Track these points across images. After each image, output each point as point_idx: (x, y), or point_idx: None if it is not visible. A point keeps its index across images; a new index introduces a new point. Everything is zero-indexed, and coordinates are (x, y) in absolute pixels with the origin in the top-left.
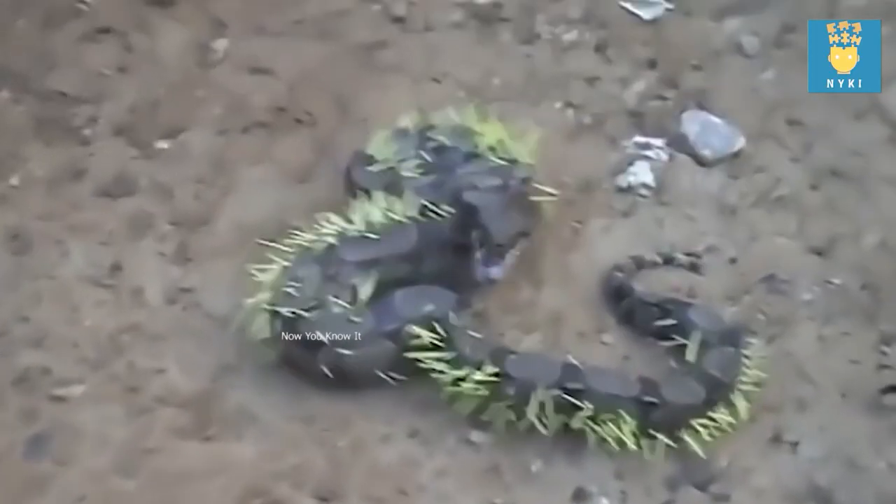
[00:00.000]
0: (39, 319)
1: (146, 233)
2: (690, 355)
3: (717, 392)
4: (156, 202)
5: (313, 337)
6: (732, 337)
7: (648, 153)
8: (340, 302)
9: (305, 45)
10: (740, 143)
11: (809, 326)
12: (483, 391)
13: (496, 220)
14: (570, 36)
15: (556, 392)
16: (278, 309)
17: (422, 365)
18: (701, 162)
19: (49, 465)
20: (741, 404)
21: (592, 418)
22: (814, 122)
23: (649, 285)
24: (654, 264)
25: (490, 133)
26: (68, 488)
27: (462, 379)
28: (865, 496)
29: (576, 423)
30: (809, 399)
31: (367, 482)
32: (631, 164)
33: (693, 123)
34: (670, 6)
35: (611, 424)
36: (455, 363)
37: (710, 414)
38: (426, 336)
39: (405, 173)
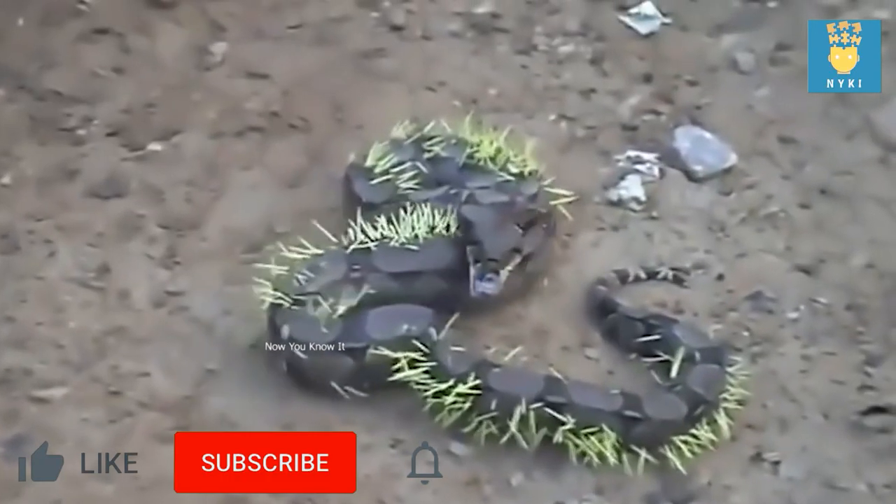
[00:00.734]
0: (24, 320)
1: (135, 235)
2: (674, 372)
3: (700, 409)
4: (146, 204)
5: (279, 328)
6: (716, 354)
7: (640, 167)
8: (325, 305)
9: (303, 50)
10: (732, 159)
11: (794, 345)
12: (465, 404)
13: (490, 235)
14: (567, 48)
15: (539, 406)
16: (275, 291)
17: (404, 378)
18: (692, 177)
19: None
20: (723, 422)
21: (574, 432)
22: (806, 141)
23: (635, 300)
24: (638, 279)
25: (487, 144)
26: (44, 491)
27: (445, 392)
28: None
29: (558, 437)
30: (792, 418)
31: None
32: (622, 177)
33: (686, 139)
34: (667, 21)
35: (592, 438)
36: (437, 377)
37: (692, 431)
38: (402, 356)
39: (403, 185)
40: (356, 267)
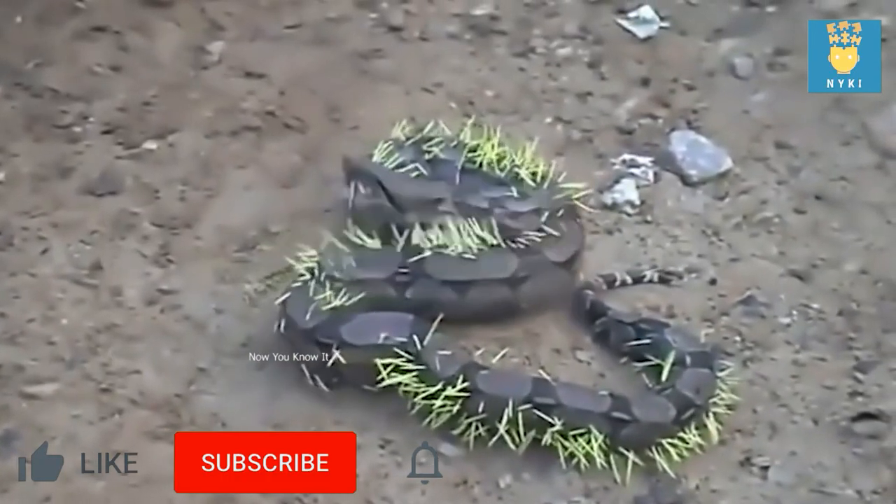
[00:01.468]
0: (16, 316)
1: (129, 233)
2: (664, 375)
3: (689, 412)
4: (140, 202)
5: (285, 292)
6: (707, 358)
7: (635, 171)
8: (327, 294)
9: (300, 50)
10: (727, 163)
11: (786, 350)
12: (454, 407)
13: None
14: (565, 51)
15: (527, 407)
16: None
17: (391, 383)
18: (687, 181)
19: (16, 463)
20: (712, 426)
21: (562, 434)
22: (803, 146)
23: (627, 304)
24: (625, 283)
25: (489, 148)
26: (34, 488)
27: (434, 396)
28: None
29: (546, 439)
30: (781, 423)
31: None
32: (617, 181)
33: (681, 143)
34: (665, 25)
35: (580, 440)
36: (426, 381)
37: (681, 434)
38: (380, 363)
39: None
40: (403, 270)
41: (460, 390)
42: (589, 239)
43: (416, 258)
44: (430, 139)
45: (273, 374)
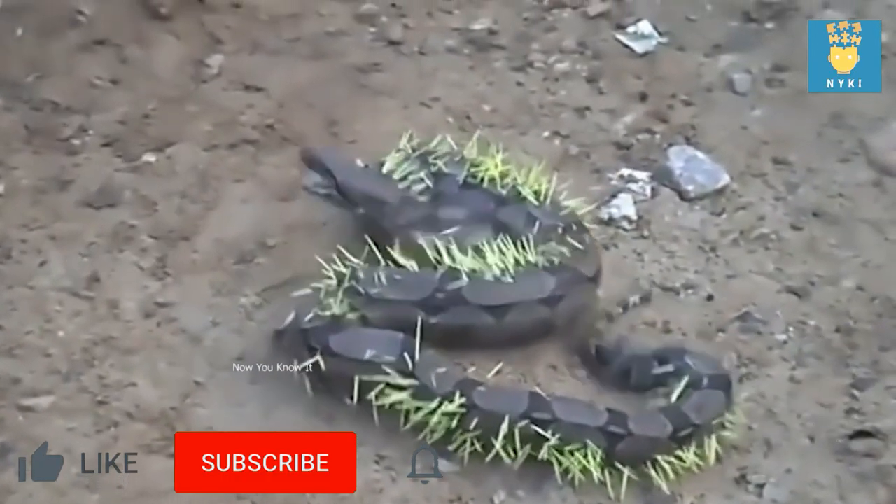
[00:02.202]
0: (13, 328)
1: (127, 245)
2: (674, 396)
3: (686, 431)
4: (138, 215)
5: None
6: (724, 382)
7: (632, 186)
8: (332, 303)
9: (299, 64)
10: (724, 179)
11: (782, 367)
12: (451, 423)
13: None
14: (563, 66)
15: (523, 423)
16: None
17: (389, 400)
18: (684, 197)
19: (11, 476)
20: (711, 445)
21: (559, 448)
22: (800, 162)
23: (624, 324)
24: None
25: (492, 165)
26: (28, 499)
27: (430, 412)
28: None
29: (543, 454)
30: (777, 441)
31: None
32: (614, 196)
33: (679, 158)
34: (664, 40)
35: (577, 455)
36: (421, 397)
37: (677, 452)
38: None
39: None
40: (440, 295)
41: (457, 406)
42: None
43: (454, 286)
44: (434, 152)
45: (268, 387)
